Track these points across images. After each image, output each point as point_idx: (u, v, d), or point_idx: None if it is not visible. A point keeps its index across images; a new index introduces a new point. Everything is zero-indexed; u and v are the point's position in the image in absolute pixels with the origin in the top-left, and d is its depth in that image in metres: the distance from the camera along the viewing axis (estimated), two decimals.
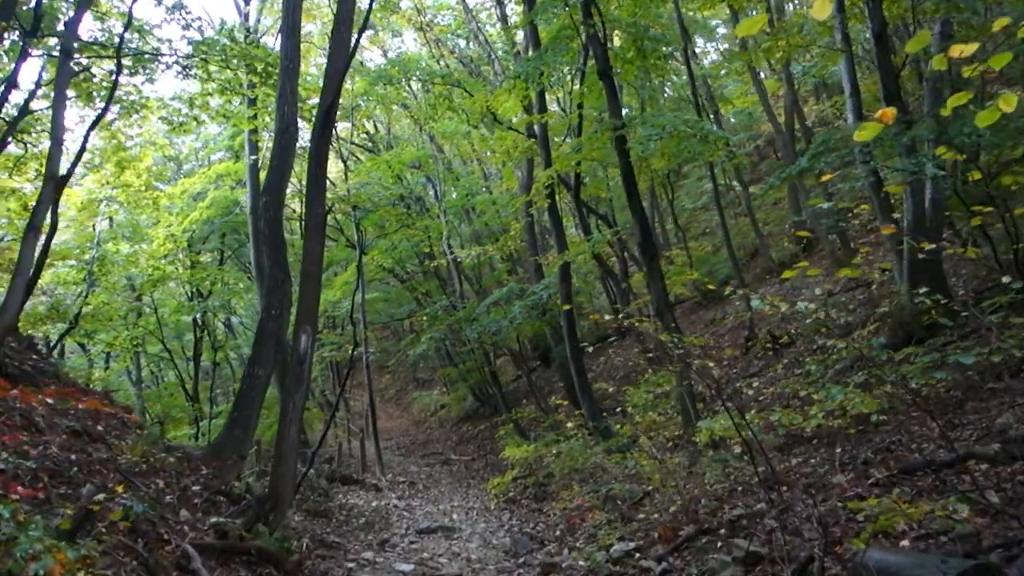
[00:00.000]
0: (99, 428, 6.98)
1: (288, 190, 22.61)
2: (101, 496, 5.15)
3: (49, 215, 9.54)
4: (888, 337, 11.77)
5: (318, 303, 8.00)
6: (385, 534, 10.94)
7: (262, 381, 9.63)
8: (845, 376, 11.67)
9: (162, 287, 26.78)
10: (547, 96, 17.43)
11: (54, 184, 8.60)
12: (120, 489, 5.59)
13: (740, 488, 7.87)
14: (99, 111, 17.33)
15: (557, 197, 14.39)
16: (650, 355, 15.09)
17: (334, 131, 22.22)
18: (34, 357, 8.29)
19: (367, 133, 27.11)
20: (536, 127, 14.18)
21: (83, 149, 11.13)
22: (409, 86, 24.14)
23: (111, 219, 26.48)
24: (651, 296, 10.96)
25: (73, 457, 5.85)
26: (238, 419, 9.46)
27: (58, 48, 13.94)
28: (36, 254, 8.81)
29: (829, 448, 8.57)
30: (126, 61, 14.17)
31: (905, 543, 4.56)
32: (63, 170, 9.44)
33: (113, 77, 12.36)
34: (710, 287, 16.01)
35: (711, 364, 5.97)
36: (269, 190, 10.24)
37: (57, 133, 9.40)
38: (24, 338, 9.17)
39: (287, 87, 10.35)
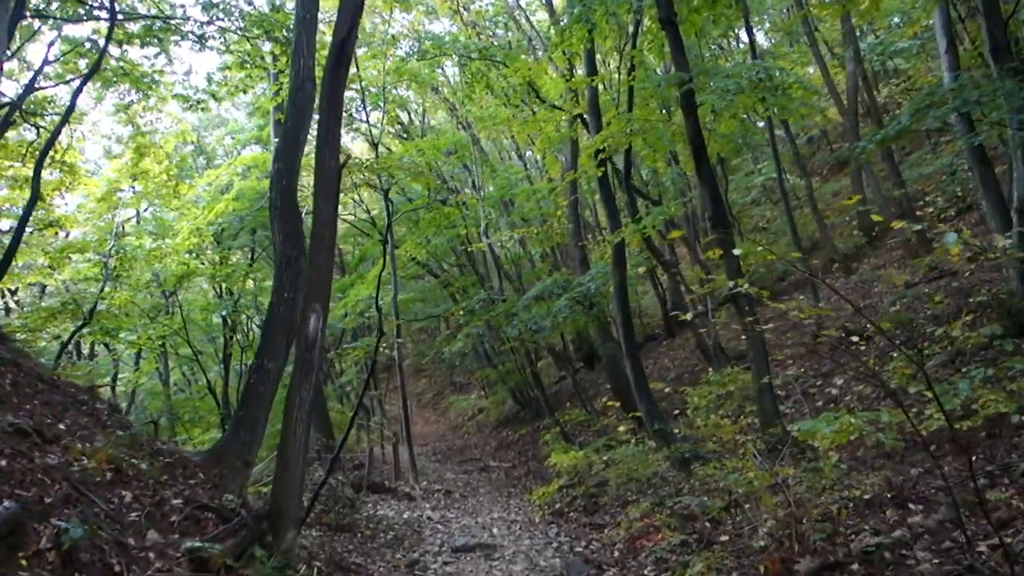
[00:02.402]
0: (61, 427, 5.69)
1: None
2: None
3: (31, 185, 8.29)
4: (1000, 327, 10.06)
5: (331, 277, 6.62)
6: (416, 553, 9.52)
7: (272, 375, 8.27)
8: (944, 373, 10.07)
9: (189, 284, 25.82)
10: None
11: None
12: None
13: (851, 505, 6.28)
14: (120, 94, 16.48)
15: (608, 175, 12.81)
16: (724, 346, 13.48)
17: (366, 119, 21.10)
18: None
19: (401, 123, 25.86)
20: (586, 91, 12.69)
21: (71, 110, 9.88)
22: (443, 69, 22.90)
23: (137, 212, 25.62)
24: (725, 277, 9.40)
25: (3, 464, 4.51)
26: (244, 419, 8.11)
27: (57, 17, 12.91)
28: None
29: (958, 456, 6.94)
30: (134, 27, 13.08)
31: None
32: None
33: (106, 37, 11.02)
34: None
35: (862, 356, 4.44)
36: (282, 156, 8.92)
37: None
38: None
39: (303, 39, 9.02)
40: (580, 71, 15.89)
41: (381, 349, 21.12)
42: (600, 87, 16.36)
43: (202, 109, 14.97)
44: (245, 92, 14.78)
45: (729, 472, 6.68)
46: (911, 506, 5.60)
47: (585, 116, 14.74)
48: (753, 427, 12.37)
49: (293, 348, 8.01)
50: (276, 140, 15.95)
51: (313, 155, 7.88)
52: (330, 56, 6.61)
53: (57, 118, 16.51)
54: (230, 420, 20.36)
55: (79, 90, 11.23)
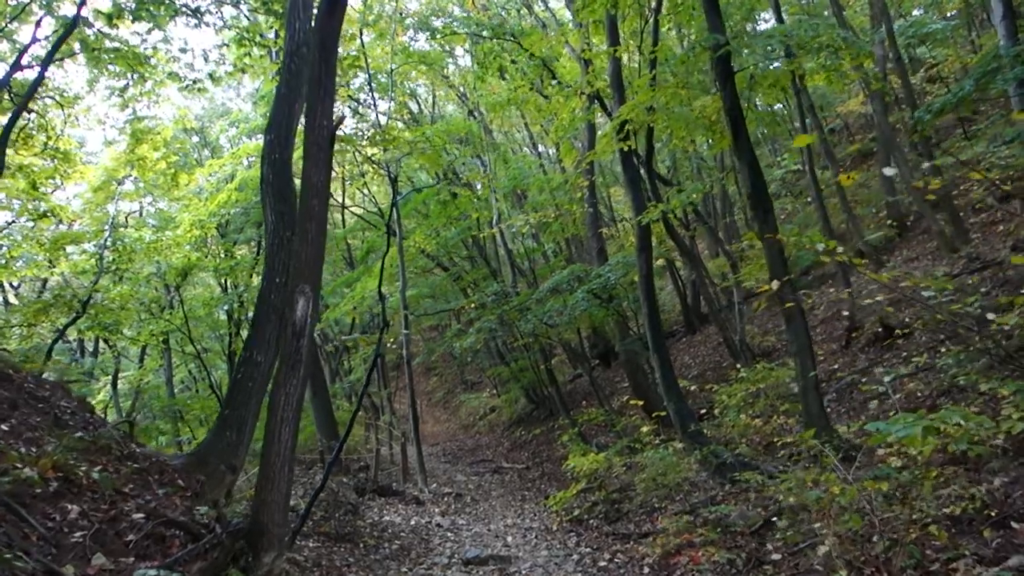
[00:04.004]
0: (3, 428, 4.84)
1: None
2: None
3: None
4: None
5: (322, 255, 5.73)
6: (423, 566, 8.64)
7: (262, 369, 7.41)
8: (1001, 370, 9.11)
9: (193, 278, 25.12)
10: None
11: None
12: None
13: (929, 520, 5.34)
14: (115, 76, 15.66)
15: (632, 154, 11.82)
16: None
17: (374, 108, 20.20)
18: None
19: (410, 112, 24.98)
20: (608, 64, 11.74)
21: (40, 78, 9.07)
22: (453, 58, 22.05)
23: (140, 205, 24.93)
24: (766, 261, 8.48)
25: None
26: (230, 419, 7.25)
27: None
28: None
29: None
30: (126, 2, 12.27)
31: None
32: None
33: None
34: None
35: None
36: (275, 126, 8.05)
37: None
38: None
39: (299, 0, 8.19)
40: (597, 50, 15.02)
41: (388, 345, 20.30)
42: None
43: (199, 90, 14.15)
44: (244, 72, 13.92)
45: (796, 486, 5.69)
46: (1014, 525, 4.65)
47: (602, 95, 13.83)
48: (785, 428, 11.47)
49: None
50: None
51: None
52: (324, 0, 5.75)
53: (49, 102, 15.78)
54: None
55: (51, 55, 10.41)
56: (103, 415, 24.56)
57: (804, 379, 8.27)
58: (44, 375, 11.06)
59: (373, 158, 16.97)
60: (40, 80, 9.96)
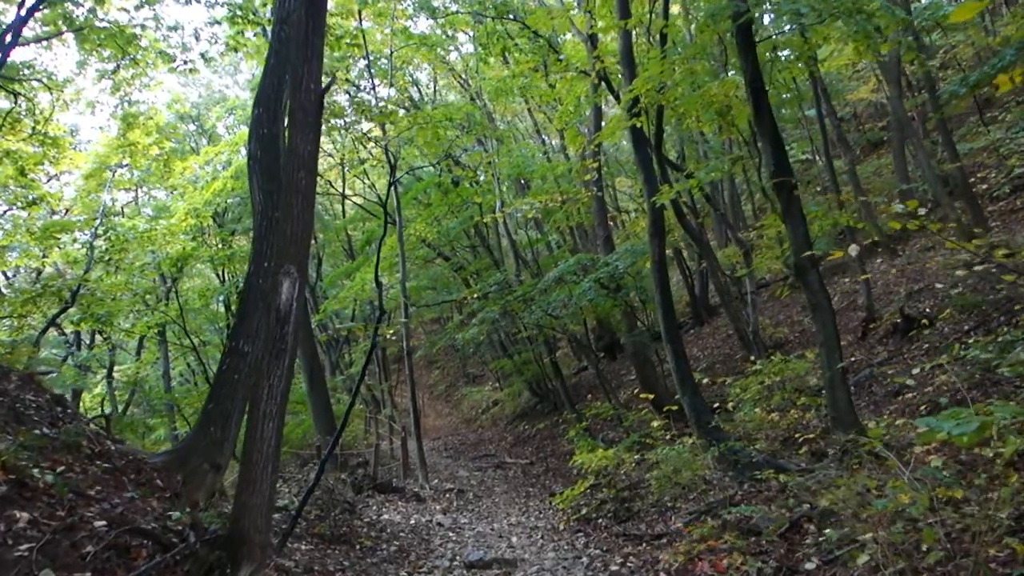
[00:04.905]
0: None
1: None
2: None
3: None
4: None
5: (310, 233, 5.19)
6: (423, 570, 8.12)
7: (249, 360, 6.87)
8: None
9: (190, 269, 24.61)
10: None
11: None
12: None
13: (985, 531, 4.79)
14: (114, 66, 15.09)
15: (643, 133, 11.21)
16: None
17: (373, 95, 19.62)
18: None
19: (411, 99, 24.40)
20: (618, 38, 11.12)
21: (8, 52, 8.50)
22: (455, 43, 21.49)
23: (136, 194, 24.41)
24: (790, 243, 7.92)
25: None
26: (214, 413, 6.72)
27: None
28: None
29: None
30: None
31: None
32: None
33: None
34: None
35: None
36: (263, 100, 7.50)
37: None
38: None
39: None
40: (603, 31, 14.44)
41: (389, 337, 19.79)
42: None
43: (191, 71, 13.61)
44: (237, 51, 13.36)
45: (847, 489, 5.12)
46: None
47: (609, 73, 13.24)
48: (803, 423, 10.93)
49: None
50: None
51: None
52: None
53: (37, 84, 15.23)
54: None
55: (20, 25, 9.80)
56: (99, 409, 24.15)
57: (831, 372, 7.71)
58: (27, 368, 10.53)
59: (371, 135, 16.38)
60: (6, 57, 9.36)
